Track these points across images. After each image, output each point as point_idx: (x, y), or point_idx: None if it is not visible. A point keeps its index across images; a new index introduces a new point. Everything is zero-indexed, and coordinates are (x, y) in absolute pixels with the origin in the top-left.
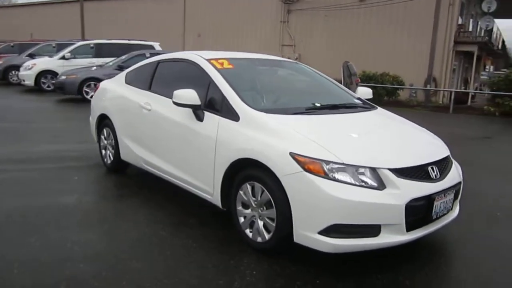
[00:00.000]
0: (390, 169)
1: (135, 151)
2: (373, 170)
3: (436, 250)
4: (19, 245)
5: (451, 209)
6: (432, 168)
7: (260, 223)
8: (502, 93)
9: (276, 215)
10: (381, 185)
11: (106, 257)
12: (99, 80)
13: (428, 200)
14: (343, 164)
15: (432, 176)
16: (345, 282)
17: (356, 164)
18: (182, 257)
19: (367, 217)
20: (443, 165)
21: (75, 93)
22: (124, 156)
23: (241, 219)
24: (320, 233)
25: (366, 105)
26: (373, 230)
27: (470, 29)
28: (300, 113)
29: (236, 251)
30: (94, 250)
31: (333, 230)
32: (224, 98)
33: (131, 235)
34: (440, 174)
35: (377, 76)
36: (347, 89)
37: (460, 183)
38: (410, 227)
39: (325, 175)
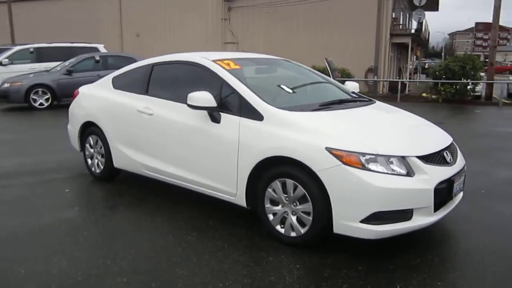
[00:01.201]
0: (418, 157)
1: (133, 157)
2: (403, 158)
3: (442, 227)
4: (46, 265)
5: (463, 189)
6: (446, 153)
7: (293, 218)
8: (442, 81)
9: (313, 208)
10: (410, 172)
11: (145, 269)
12: (47, 86)
13: (449, 182)
14: (377, 155)
15: (448, 160)
16: (384, 265)
17: (387, 154)
18: (222, 259)
19: (403, 203)
20: (452, 150)
21: (21, 101)
22: (118, 163)
23: (270, 216)
24: (362, 221)
25: (365, 99)
26: (407, 214)
27: (401, 21)
28: (317, 109)
29: (269, 247)
30: (129, 263)
31: (374, 218)
32: (242, 99)
33: (159, 244)
34: (452, 158)
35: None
36: (340, 84)
37: (465, 165)
38: (435, 208)
39: (363, 167)
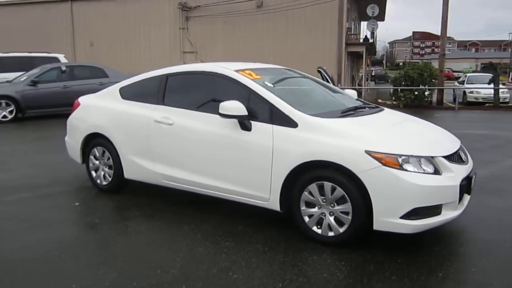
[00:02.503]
0: (443, 157)
1: (149, 167)
2: (432, 158)
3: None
4: (96, 278)
5: (474, 184)
6: (461, 153)
7: (331, 218)
8: (402, 87)
9: (352, 208)
10: (437, 171)
11: (198, 275)
12: (12, 98)
13: (469, 179)
14: (410, 155)
15: (463, 159)
16: (419, 256)
17: (419, 155)
18: (269, 261)
19: (436, 199)
20: (463, 150)
21: None
22: (130, 174)
23: (306, 218)
24: (402, 217)
25: (373, 106)
26: (437, 209)
27: (354, 31)
28: (342, 116)
29: (308, 248)
30: (179, 271)
31: (413, 214)
32: (273, 107)
33: (199, 251)
34: (466, 157)
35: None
36: (345, 92)
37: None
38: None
39: (400, 167)
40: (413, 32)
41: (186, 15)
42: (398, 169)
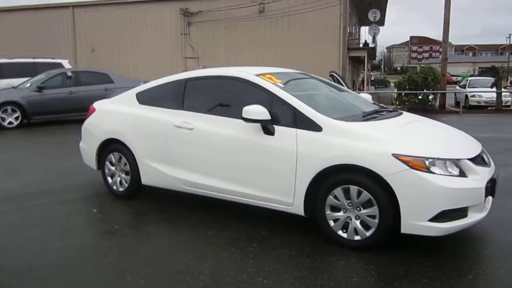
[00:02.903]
0: (469, 159)
1: (168, 173)
2: (458, 161)
3: None
4: (122, 285)
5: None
6: (484, 155)
7: (357, 222)
8: (404, 91)
9: (379, 211)
10: (463, 173)
11: (228, 281)
12: (17, 104)
13: (493, 181)
14: (437, 158)
15: (486, 162)
16: (446, 259)
17: (445, 157)
18: (297, 266)
19: (463, 201)
20: (485, 153)
21: None
22: (148, 180)
23: (331, 223)
24: (430, 220)
25: (392, 109)
26: (464, 212)
27: (354, 36)
28: (365, 119)
29: (334, 252)
30: (208, 277)
31: (440, 216)
32: (296, 111)
33: (224, 256)
34: (489, 160)
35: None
36: (360, 95)
37: None
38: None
39: (427, 170)
40: (411, 37)
41: (188, 21)
42: (425, 171)
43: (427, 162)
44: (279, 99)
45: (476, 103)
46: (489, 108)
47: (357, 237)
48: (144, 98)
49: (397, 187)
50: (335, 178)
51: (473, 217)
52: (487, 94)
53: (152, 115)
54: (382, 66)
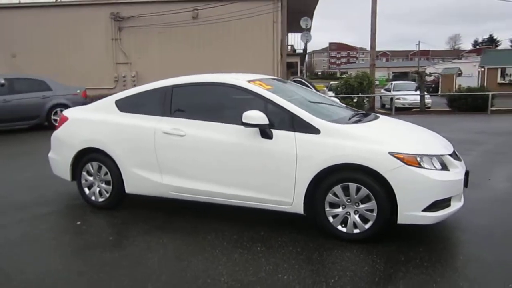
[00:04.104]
0: (449, 155)
1: (157, 180)
2: (441, 156)
3: None
4: None
5: None
6: (455, 152)
7: (355, 216)
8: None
9: (377, 205)
10: (445, 167)
11: (249, 280)
12: None
13: (467, 174)
14: (425, 155)
15: (459, 157)
16: (438, 244)
17: (431, 153)
18: (309, 261)
19: (448, 192)
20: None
21: None
22: (132, 189)
23: (331, 219)
24: (424, 210)
25: (367, 113)
26: (448, 201)
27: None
28: (353, 122)
29: (336, 246)
30: (229, 277)
31: (433, 206)
32: (293, 115)
33: (234, 257)
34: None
35: None
36: (332, 99)
37: None
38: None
39: (419, 165)
40: (330, 43)
41: (119, 26)
42: (417, 167)
43: (418, 158)
44: (274, 105)
45: (401, 105)
46: (413, 109)
47: (356, 231)
48: (126, 106)
49: (394, 182)
50: (335, 177)
51: (455, 206)
52: (410, 97)
53: (136, 122)
54: (304, 71)
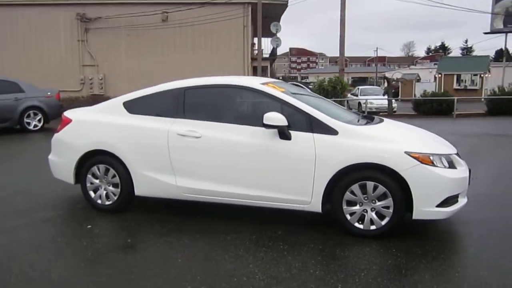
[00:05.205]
0: (456, 154)
1: (170, 182)
2: (449, 155)
3: None
4: None
5: None
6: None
7: (372, 213)
8: None
9: (393, 202)
10: (453, 166)
11: (287, 276)
12: None
13: (470, 171)
14: (436, 154)
15: (460, 156)
16: (445, 237)
17: (441, 153)
18: (333, 256)
19: (458, 188)
20: None
21: None
22: (143, 191)
23: (348, 216)
24: (437, 206)
25: (372, 116)
26: (457, 197)
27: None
28: (365, 124)
29: (356, 242)
30: (266, 275)
31: (445, 202)
32: (311, 117)
33: (261, 256)
34: None
35: None
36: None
37: None
38: None
39: (433, 164)
40: (290, 48)
41: (85, 27)
42: (431, 165)
43: (431, 157)
44: (291, 107)
45: (368, 109)
46: (380, 113)
47: (373, 227)
48: (135, 107)
49: (411, 180)
50: (353, 176)
51: (462, 202)
52: (377, 101)
53: (148, 124)
54: (268, 75)
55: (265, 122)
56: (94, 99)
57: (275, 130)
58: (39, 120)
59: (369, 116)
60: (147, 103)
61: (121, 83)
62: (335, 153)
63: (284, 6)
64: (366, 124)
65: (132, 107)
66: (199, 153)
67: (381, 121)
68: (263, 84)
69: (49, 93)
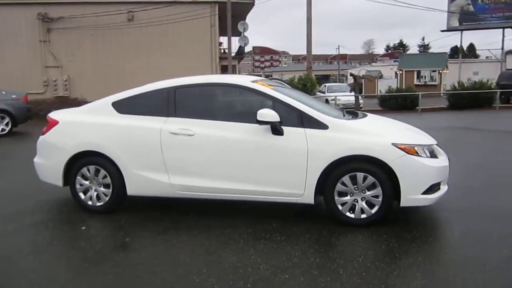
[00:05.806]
0: (436, 145)
1: (164, 180)
2: (431, 146)
3: None
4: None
5: None
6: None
7: (363, 203)
8: None
9: (382, 191)
10: (434, 155)
11: (291, 265)
12: None
13: (449, 160)
14: (419, 145)
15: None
16: (433, 223)
17: (423, 143)
18: (330, 244)
19: (440, 176)
20: None
21: None
22: (135, 190)
23: (340, 206)
24: (423, 193)
25: (355, 111)
26: (439, 185)
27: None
28: (352, 118)
29: (348, 231)
30: (271, 264)
31: (429, 189)
32: (302, 113)
33: (260, 248)
34: None
35: None
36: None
37: None
38: None
39: (417, 154)
40: (253, 47)
41: (47, 27)
42: (416, 155)
43: (416, 148)
44: (282, 103)
45: (336, 106)
46: (347, 109)
47: (363, 216)
48: (124, 108)
49: (398, 170)
50: (344, 168)
51: (443, 189)
52: (344, 98)
53: (139, 124)
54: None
55: (258, 118)
56: (60, 101)
57: (268, 126)
58: (7, 124)
59: (353, 112)
60: (137, 103)
61: (87, 84)
62: (326, 147)
63: (251, 5)
64: (352, 118)
65: (122, 107)
66: (193, 150)
67: (365, 115)
68: (253, 82)
69: (14, 96)
